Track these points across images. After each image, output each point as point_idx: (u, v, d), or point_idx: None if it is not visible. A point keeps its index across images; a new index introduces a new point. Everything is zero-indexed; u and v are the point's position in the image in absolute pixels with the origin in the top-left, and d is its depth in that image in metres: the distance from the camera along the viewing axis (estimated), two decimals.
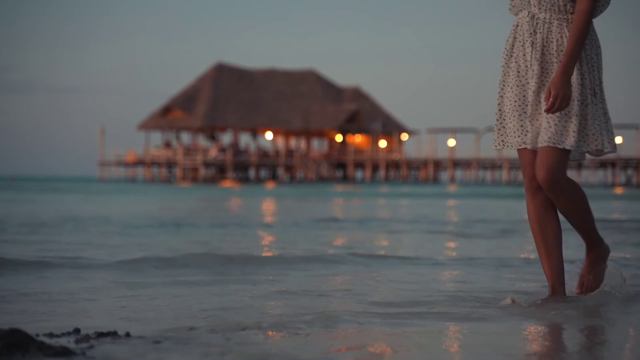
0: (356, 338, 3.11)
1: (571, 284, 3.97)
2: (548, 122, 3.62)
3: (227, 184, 57.98)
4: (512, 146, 3.77)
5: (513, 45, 3.78)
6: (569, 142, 3.59)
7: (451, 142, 67.99)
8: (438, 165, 69.88)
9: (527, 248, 7.70)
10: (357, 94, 78.91)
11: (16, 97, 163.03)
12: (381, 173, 71.97)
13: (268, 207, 19.73)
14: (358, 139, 75.25)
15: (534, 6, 3.73)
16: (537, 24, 3.72)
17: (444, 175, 70.63)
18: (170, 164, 71.90)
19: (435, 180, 69.26)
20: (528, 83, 3.72)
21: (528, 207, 3.82)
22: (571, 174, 64.45)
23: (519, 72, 3.74)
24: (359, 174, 74.29)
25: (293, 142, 76.86)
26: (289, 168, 72.41)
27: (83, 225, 10.90)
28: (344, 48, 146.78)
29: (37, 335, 2.94)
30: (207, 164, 69.56)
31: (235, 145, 71.66)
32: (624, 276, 4.05)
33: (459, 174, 69.81)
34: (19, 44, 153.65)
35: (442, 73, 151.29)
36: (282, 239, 9.10)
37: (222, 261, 6.04)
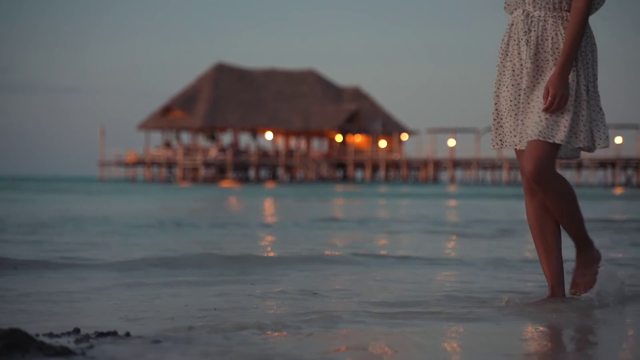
0: (356, 338, 3.11)
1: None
2: (539, 117, 3.61)
3: (227, 184, 57.97)
4: (510, 146, 3.77)
5: (508, 45, 3.78)
6: (560, 136, 3.57)
7: (451, 142, 68.00)
8: (438, 165, 69.88)
9: (527, 248, 7.71)
10: (357, 94, 78.91)
11: (16, 97, 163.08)
12: (381, 173, 71.97)
13: (268, 207, 19.74)
14: (358, 139, 75.25)
15: (529, 4, 3.72)
16: (531, 22, 3.71)
17: (444, 176, 70.66)
18: (170, 164, 71.90)
19: (435, 181, 69.26)
20: (522, 81, 3.71)
21: (527, 207, 3.82)
22: (571, 173, 64.62)
23: (514, 71, 3.74)
24: (359, 174, 74.30)
25: (293, 142, 76.87)
26: (289, 168, 72.41)
27: (83, 225, 10.90)
28: (344, 48, 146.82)
29: (37, 335, 2.94)
30: (207, 164, 69.57)
31: (235, 145, 71.67)
32: (622, 278, 4.04)
33: (459, 174, 69.84)
34: (19, 44, 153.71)
35: (442, 73, 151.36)
36: (282, 239, 9.10)
37: (222, 261, 6.05)
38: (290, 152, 73.08)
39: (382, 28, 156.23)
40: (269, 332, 3.15)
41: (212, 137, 72.53)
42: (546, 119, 3.59)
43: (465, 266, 5.97)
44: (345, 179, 72.66)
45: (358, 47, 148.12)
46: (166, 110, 73.22)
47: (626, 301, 3.96)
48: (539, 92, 3.65)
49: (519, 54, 3.73)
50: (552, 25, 3.68)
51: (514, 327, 3.38)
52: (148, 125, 73.17)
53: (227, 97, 73.69)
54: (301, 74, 79.04)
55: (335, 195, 32.28)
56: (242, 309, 3.77)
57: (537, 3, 3.70)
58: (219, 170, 69.93)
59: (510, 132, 3.75)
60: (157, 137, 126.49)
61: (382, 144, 73.42)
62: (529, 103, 3.67)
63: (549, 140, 3.58)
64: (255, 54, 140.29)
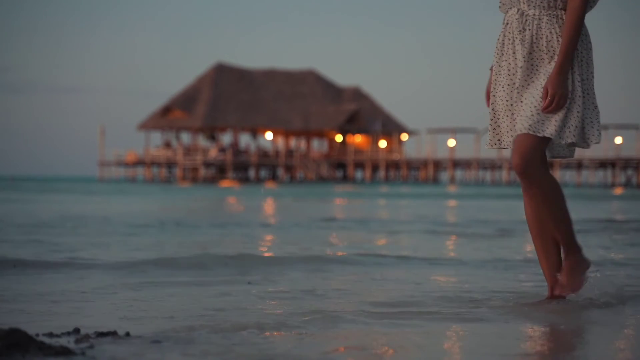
0: (356, 338, 3.11)
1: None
2: (531, 112, 3.60)
3: (227, 184, 57.98)
4: (507, 146, 3.76)
5: (503, 44, 3.77)
6: (550, 130, 3.56)
7: (451, 142, 68.00)
8: (438, 165, 69.88)
9: (527, 248, 7.71)
10: (357, 94, 78.91)
11: (16, 97, 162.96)
12: (381, 173, 71.97)
13: (268, 207, 19.74)
14: (358, 139, 75.25)
15: (523, 3, 3.72)
16: (526, 20, 3.71)
17: (444, 176, 70.62)
18: (170, 164, 71.90)
19: (435, 181, 69.25)
20: (517, 79, 3.70)
21: (526, 207, 3.81)
22: (571, 173, 64.64)
23: (509, 70, 3.73)
24: (359, 174, 74.29)
25: (293, 142, 76.87)
26: (289, 168, 72.41)
27: (83, 225, 10.90)
28: (344, 48, 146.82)
29: (37, 335, 2.94)
30: (207, 164, 69.57)
31: (235, 146, 71.67)
32: (619, 284, 4.02)
33: (459, 174, 69.82)
34: (19, 44, 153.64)
35: (442, 73, 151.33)
36: (281, 239, 9.10)
37: (222, 261, 6.05)
38: (290, 152, 73.08)
39: (382, 28, 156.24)
40: (269, 332, 3.15)
41: (212, 137, 72.54)
42: (537, 114, 3.58)
43: (465, 266, 5.97)
44: (345, 179, 72.66)
45: (358, 47, 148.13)
46: (166, 111, 73.22)
47: (626, 302, 3.96)
48: (533, 89, 3.64)
49: (513, 53, 3.72)
50: (547, 23, 3.68)
51: (513, 328, 3.39)
52: (148, 125, 73.17)
53: (227, 97, 73.69)
54: (301, 74, 79.04)
55: (335, 195, 32.28)
56: (242, 309, 3.77)
57: (532, 2, 3.70)
58: (219, 171, 69.94)
59: (507, 132, 3.74)
60: (157, 137, 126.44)
61: (382, 144, 73.42)
62: (521, 100, 3.67)
63: (538, 134, 3.57)
64: (255, 54, 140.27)
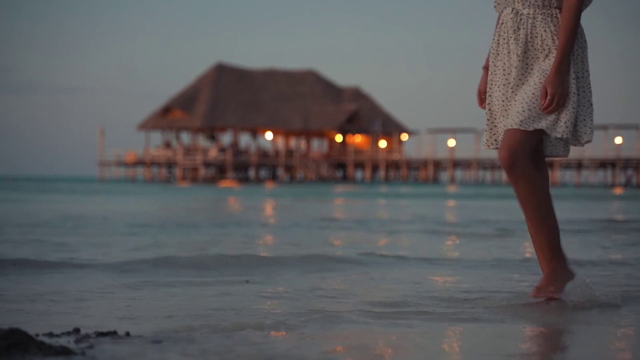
0: (355, 338, 3.12)
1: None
2: (522, 107, 3.59)
3: (227, 184, 57.98)
4: None
5: (499, 44, 3.77)
6: (540, 125, 3.56)
7: (451, 142, 68.01)
8: (438, 165, 69.90)
9: (526, 248, 7.71)
10: (357, 94, 78.92)
11: (16, 97, 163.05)
12: (381, 173, 71.98)
13: (268, 207, 19.74)
14: (358, 139, 75.27)
15: (518, 2, 3.72)
16: (520, 19, 3.70)
17: (444, 176, 70.67)
18: (170, 164, 71.92)
19: (435, 181, 69.26)
20: (511, 78, 3.70)
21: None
22: (571, 174, 64.64)
23: (504, 70, 3.73)
24: (359, 174, 74.32)
25: (293, 142, 76.88)
26: (289, 168, 72.42)
27: (83, 226, 10.91)
28: (344, 48, 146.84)
29: (37, 335, 2.95)
30: (207, 164, 69.58)
31: (235, 146, 71.68)
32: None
33: (458, 174, 69.86)
34: (19, 44, 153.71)
35: (442, 73, 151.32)
36: (281, 239, 9.10)
37: (222, 261, 6.05)
38: (290, 152, 73.09)
39: (382, 28, 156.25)
40: (269, 332, 3.16)
41: (212, 137, 72.55)
42: (529, 109, 3.58)
43: (464, 266, 5.98)
44: (345, 179, 72.67)
45: (358, 47, 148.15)
46: (166, 111, 73.24)
47: (624, 302, 3.96)
48: (526, 86, 3.63)
49: (508, 52, 3.72)
50: (542, 22, 3.67)
51: (511, 328, 3.39)
52: (148, 125, 73.18)
53: (227, 97, 73.70)
54: (301, 74, 79.05)
55: (335, 195, 32.28)
56: (242, 309, 3.78)
57: (526, 1, 3.69)
58: (219, 171, 69.95)
59: (504, 131, 3.74)
60: (157, 137, 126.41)
61: (382, 144, 73.42)
62: (515, 99, 3.66)
63: (528, 129, 3.57)
64: (255, 54, 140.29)
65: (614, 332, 3.31)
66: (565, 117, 3.58)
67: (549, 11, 3.68)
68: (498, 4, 3.82)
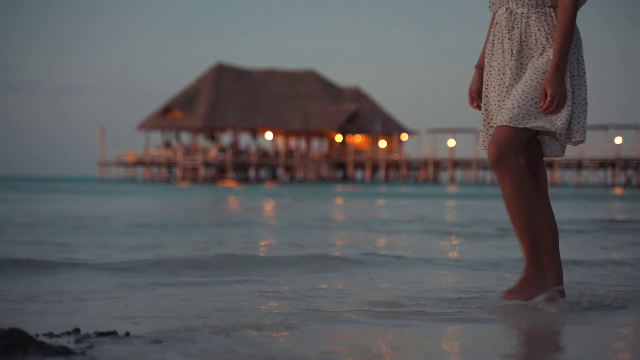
0: (355, 338, 3.12)
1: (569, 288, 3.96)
2: (512, 104, 3.58)
3: (227, 184, 57.99)
4: None
5: (493, 44, 3.77)
6: (531, 123, 3.55)
7: (451, 143, 68.01)
8: (438, 165, 69.89)
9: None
10: (357, 94, 78.92)
11: (16, 97, 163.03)
12: (381, 173, 71.99)
13: (268, 207, 19.74)
14: (358, 139, 75.27)
15: (512, 2, 3.71)
16: (514, 19, 3.70)
17: (444, 176, 70.66)
18: (170, 164, 71.92)
19: (435, 181, 69.26)
20: (506, 78, 3.69)
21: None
22: (571, 174, 64.61)
23: (499, 70, 3.73)
24: (358, 174, 74.32)
25: (293, 142, 76.89)
26: (288, 168, 72.42)
27: (83, 226, 10.91)
28: (344, 48, 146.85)
29: (37, 335, 2.95)
30: (207, 164, 69.58)
31: (235, 146, 71.69)
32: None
33: (458, 174, 69.86)
34: (19, 44, 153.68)
35: (442, 73, 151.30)
36: (281, 239, 9.10)
37: (222, 261, 6.05)
38: (290, 152, 73.09)
39: (381, 28, 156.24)
40: (269, 332, 3.16)
41: (212, 137, 72.55)
42: (519, 106, 3.57)
43: (464, 266, 5.98)
44: (345, 179, 72.67)
45: (358, 47, 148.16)
46: (166, 111, 73.24)
47: (625, 302, 3.97)
48: (519, 84, 3.62)
49: (502, 52, 3.72)
50: (535, 21, 3.67)
51: (510, 328, 3.39)
52: (148, 125, 73.18)
53: (227, 97, 73.70)
54: (301, 74, 79.05)
55: (335, 195, 32.29)
56: (242, 309, 3.78)
57: (520, 0, 3.70)
58: (219, 171, 69.95)
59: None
60: (157, 137, 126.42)
61: (382, 144, 73.43)
62: (509, 98, 3.65)
63: (518, 127, 3.55)
64: (255, 54, 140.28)
65: (614, 332, 3.31)
66: (562, 115, 3.57)
67: (543, 10, 3.68)
68: (493, 3, 3.82)
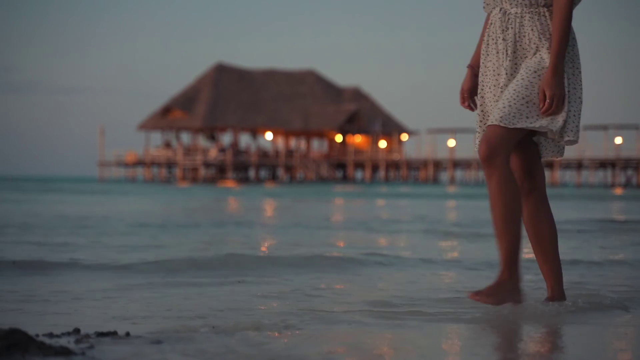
0: (355, 338, 3.12)
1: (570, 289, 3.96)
2: (503, 103, 3.57)
3: (227, 184, 57.98)
4: None
5: (488, 44, 3.76)
6: (520, 124, 3.55)
7: (451, 143, 68.02)
8: (438, 165, 69.89)
9: (526, 249, 7.70)
10: (357, 94, 78.92)
11: (16, 97, 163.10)
12: (381, 173, 71.99)
13: (268, 207, 19.74)
14: (358, 139, 75.26)
15: (506, 2, 3.71)
16: (508, 19, 3.70)
17: (444, 176, 70.64)
18: (170, 164, 71.92)
19: (435, 181, 69.26)
20: (501, 78, 3.68)
21: (522, 209, 3.80)
22: (571, 174, 64.58)
23: (494, 70, 3.72)
24: (358, 175, 74.30)
25: (293, 143, 76.88)
26: (288, 168, 72.42)
27: (83, 226, 10.91)
28: (344, 48, 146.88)
29: (37, 335, 2.95)
30: (207, 164, 69.58)
31: (235, 146, 71.68)
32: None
33: (458, 174, 69.85)
34: (19, 44, 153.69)
35: (442, 73, 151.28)
36: (281, 239, 9.10)
37: (222, 261, 6.05)
38: (290, 153, 73.09)
39: (381, 28, 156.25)
40: (269, 332, 3.16)
41: (212, 138, 72.55)
42: (509, 106, 3.56)
43: (463, 267, 5.98)
44: (345, 179, 72.67)
45: (358, 47, 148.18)
46: (166, 111, 73.24)
47: (625, 302, 3.97)
48: (511, 84, 3.62)
49: (497, 53, 3.71)
50: (529, 21, 3.66)
51: (510, 329, 3.39)
52: (148, 125, 73.19)
53: (227, 97, 73.70)
54: (301, 74, 79.05)
55: (334, 195, 32.29)
56: (242, 309, 3.78)
57: (514, 0, 3.69)
58: (219, 171, 69.94)
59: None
60: (157, 138, 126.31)
61: (382, 144, 73.42)
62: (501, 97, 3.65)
63: (509, 127, 3.55)
64: (255, 54, 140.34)
65: (614, 332, 3.31)
66: (558, 115, 3.57)
67: (537, 10, 3.67)
68: (487, 4, 3.81)
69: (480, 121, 3.77)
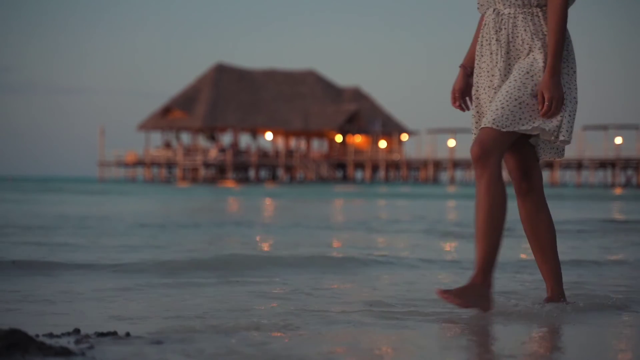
0: (355, 338, 3.12)
1: (569, 288, 3.96)
2: (495, 106, 3.56)
3: (227, 184, 57.97)
4: None
5: (482, 45, 3.75)
6: (514, 127, 3.54)
7: (451, 143, 68.00)
8: (438, 165, 69.88)
9: (525, 249, 7.71)
10: (357, 94, 78.91)
11: (16, 97, 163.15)
12: (381, 173, 71.98)
13: (268, 207, 19.74)
14: (358, 139, 75.25)
15: (499, 3, 3.70)
16: (502, 20, 3.69)
17: (444, 176, 70.63)
18: (170, 165, 71.92)
19: (435, 181, 69.25)
20: (495, 79, 3.68)
21: (519, 209, 3.80)
22: (571, 174, 64.55)
23: (488, 72, 3.72)
24: (358, 175, 74.30)
25: (293, 143, 76.88)
26: (288, 168, 72.41)
27: (82, 226, 10.91)
28: (344, 48, 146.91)
29: (37, 335, 2.95)
30: (207, 165, 69.57)
31: (235, 146, 71.68)
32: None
33: (459, 174, 69.84)
34: (19, 44, 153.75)
35: (442, 73, 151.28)
36: (281, 239, 9.10)
37: (222, 262, 6.05)
38: (290, 153, 73.08)
39: (381, 28, 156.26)
40: (269, 332, 3.16)
41: (212, 138, 72.54)
42: (502, 108, 3.55)
43: (463, 267, 5.98)
44: (345, 179, 72.66)
45: (358, 47, 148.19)
46: (166, 111, 73.24)
47: (625, 302, 3.97)
48: (504, 85, 3.61)
49: (490, 53, 3.70)
50: (522, 21, 3.65)
51: (510, 329, 3.39)
52: (148, 125, 73.18)
53: (227, 97, 73.70)
54: (301, 74, 79.05)
55: (334, 195, 32.28)
56: (241, 309, 3.78)
57: (507, 1, 3.68)
58: (219, 171, 69.94)
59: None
60: (157, 138, 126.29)
61: (382, 144, 73.42)
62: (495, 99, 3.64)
63: (502, 130, 3.55)
64: (255, 54, 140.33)
65: (614, 332, 3.31)
66: (554, 117, 3.56)
67: (530, 10, 3.66)
68: (481, 5, 3.80)
69: (476, 122, 3.77)
